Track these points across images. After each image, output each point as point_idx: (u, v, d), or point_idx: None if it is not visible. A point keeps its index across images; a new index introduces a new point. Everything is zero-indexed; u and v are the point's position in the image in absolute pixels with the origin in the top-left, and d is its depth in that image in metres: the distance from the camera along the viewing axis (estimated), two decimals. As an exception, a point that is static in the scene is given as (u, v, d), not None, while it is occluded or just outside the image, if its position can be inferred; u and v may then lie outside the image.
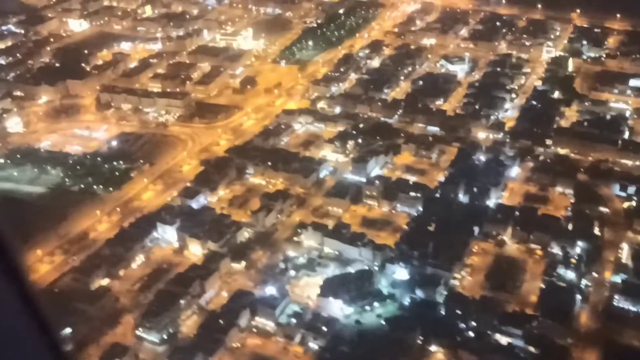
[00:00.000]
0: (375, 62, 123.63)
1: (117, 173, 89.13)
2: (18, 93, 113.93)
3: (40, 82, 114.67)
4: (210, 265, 68.73)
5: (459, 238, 70.64)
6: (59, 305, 63.46)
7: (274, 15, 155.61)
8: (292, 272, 68.16)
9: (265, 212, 76.14)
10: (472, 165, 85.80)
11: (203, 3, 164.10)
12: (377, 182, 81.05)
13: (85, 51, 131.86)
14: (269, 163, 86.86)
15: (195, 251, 72.66)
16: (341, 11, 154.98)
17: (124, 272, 70.05)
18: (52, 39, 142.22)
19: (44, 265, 71.87)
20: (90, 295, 65.49)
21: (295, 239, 73.62)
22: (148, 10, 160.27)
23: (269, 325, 61.27)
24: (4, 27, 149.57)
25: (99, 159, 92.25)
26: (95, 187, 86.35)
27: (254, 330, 61.37)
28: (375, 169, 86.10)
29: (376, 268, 67.53)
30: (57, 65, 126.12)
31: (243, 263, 70.22)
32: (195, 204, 79.71)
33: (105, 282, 68.16)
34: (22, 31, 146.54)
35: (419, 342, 58.49)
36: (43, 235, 76.71)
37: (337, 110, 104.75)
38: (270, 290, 64.59)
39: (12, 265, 5.53)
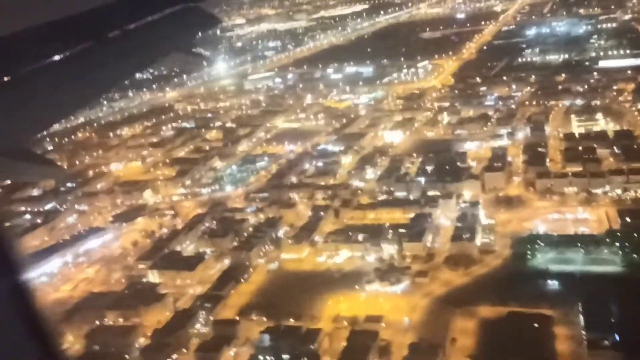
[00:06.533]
0: None
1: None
2: (435, 192, 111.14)
3: (462, 179, 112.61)
4: None
5: None
6: None
7: (582, 104, 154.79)
8: None
9: None
10: None
11: (490, 106, 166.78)
12: None
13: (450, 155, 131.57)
14: None
15: None
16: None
17: None
18: (388, 150, 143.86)
19: None
20: None
21: None
22: (446, 117, 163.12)
23: None
24: (320, 147, 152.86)
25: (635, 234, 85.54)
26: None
27: None
28: None
29: None
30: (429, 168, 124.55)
31: None
32: None
33: None
34: (342, 148, 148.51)
35: None
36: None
37: None
38: None
39: None
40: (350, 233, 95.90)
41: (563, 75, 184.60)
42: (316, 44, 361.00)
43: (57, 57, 9.40)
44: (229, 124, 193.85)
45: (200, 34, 14.95)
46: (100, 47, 10.42)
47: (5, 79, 8.14)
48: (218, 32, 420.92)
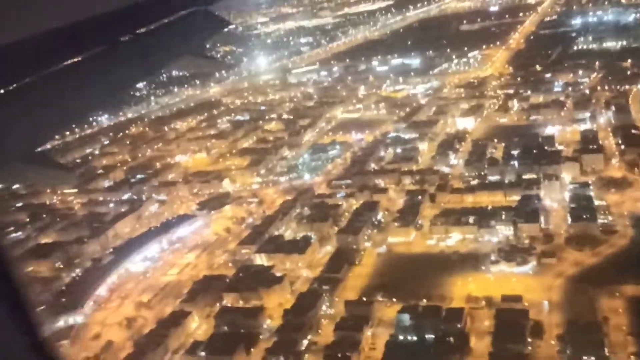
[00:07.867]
0: None
1: None
2: (531, 175, 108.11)
3: (560, 161, 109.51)
4: None
5: None
6: None
7: None
8: None
9: None
10: None
11: (559, 92, 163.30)
12: None
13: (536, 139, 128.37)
14: None
15: None
16: None
17: None
18: (465, 136, 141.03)
19: None
20: None
21: None
22: (516, 104, 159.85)
23: None
24: (391, 135, 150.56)
25: None
26: None
27: None
28: None
29: None
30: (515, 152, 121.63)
31: None
32: None
33: None
34: (417, 135, 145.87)
35: None
36: None
37: None
38: None
39: None
40: (459, 216, 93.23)
41: (629, 60, 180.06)
42: (350, 39, 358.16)
43: (69, 62, 9.43)
44: (285, 116, 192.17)
45: (209, 36, 14.94)
46: (112, 51, 10.52)
47: (18, 84, 8.04)
48: (244, 29, 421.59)
